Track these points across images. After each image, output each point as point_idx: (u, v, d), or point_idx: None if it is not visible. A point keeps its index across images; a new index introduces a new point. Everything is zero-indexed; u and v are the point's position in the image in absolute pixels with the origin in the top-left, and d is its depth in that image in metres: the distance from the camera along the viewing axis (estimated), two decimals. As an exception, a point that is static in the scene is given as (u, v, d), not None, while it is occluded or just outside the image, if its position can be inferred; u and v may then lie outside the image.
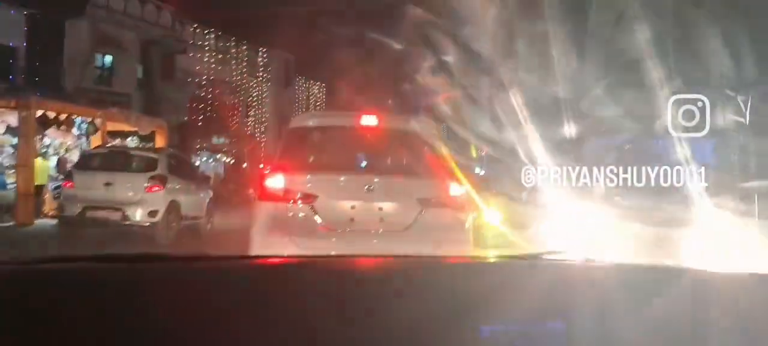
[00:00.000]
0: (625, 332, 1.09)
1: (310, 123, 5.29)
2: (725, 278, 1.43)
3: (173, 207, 10.84)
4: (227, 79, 33.83)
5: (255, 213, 4.73)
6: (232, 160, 32.65)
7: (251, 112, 38.45)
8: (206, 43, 32.17)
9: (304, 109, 43.51)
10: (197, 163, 23.91)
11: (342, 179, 4.72)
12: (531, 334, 1.09)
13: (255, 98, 38.77)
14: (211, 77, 31.65)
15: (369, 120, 4.91)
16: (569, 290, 1.29)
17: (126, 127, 16.80)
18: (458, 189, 4.67)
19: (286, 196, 4.55)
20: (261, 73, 39.28)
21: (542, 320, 1.12)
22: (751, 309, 1.20)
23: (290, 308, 1.13)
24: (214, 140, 30.46)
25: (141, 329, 1.05)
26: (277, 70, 41.30)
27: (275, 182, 4.64)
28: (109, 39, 22.63)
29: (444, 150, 4.84)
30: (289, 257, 1.86)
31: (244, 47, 37.12)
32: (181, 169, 11.89)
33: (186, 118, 27.42)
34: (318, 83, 46.89)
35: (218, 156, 31.57)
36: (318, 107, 45.17)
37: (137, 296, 1.16)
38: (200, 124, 30.15)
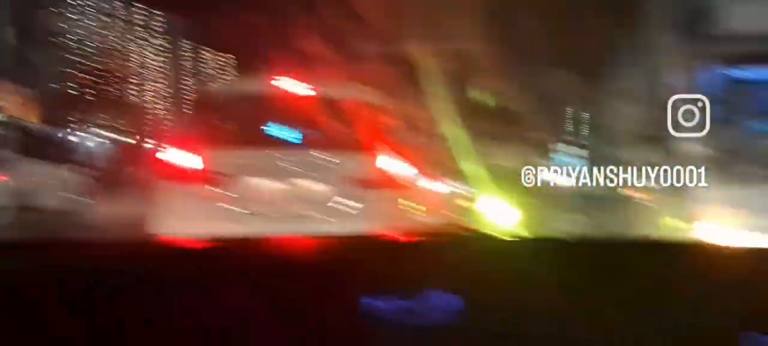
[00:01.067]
0: (524, 305, 1.14)
1: (221, 90, 5.43)
2: (617, 248, 1.57)
3: (17, 199, 8.34)
4: (112, 43, 30.71)
5: (153, 196, 4.42)
6: (121, 136, 29.55)
7: (142, 82, 35.18)
8: (88, 2, 28.86)
9: (202, 80, 41.55)
10: (74, 138, 21.66)
11: (260, 155, 4.42)
12: (419, 306, 1.13)
13: (146, 66, 35.46)
14: (93, 41, 28.63)
15: (292, 86, 4.62)
16: (464, 265, 1.33)
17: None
18: (398, 167, 4.43)
19: (189, 175, 4.28)
20: (153, 39, 36.05)
21: (432, 293, 1.16)
22: (644, 279, 1.27)
23: (187, 291, 1.13)
24: (98, 113, 27.16)
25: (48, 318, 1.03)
26: (173, 37, 38.05)
27: (177, 158, 4.35)
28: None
29: (387, 121, 4.61)
30: (190, 238, 1.58)
31: (133, 8, 33.91)
32: (36, 146, 9.22)
33: (61, 88, 23.96)
34: (220, 52, 44.39)
35: (103, 131, 28.31)
36: (217, 78, 42.92)
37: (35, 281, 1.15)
38: (80, 94, 26.76)
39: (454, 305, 1.14)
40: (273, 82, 4.78)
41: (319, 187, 4.39)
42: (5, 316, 1.00)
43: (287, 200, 4.36)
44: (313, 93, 4.70)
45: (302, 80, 4.70)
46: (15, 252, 1.35)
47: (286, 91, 4.63)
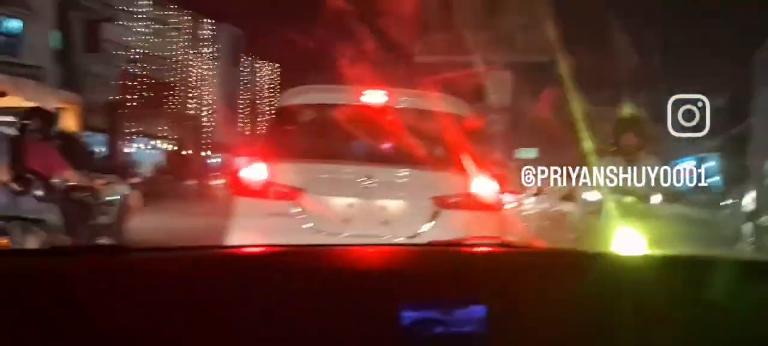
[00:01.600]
0: (544, 316, 1.16)
1: (300, 100, 4.68)
2: (632, 261, 1.60)
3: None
4: (166, 53, 30.75)
5: (226, 211, 4.16)
6: (173, 147, 29.35)
7: (194, 93, 35.16)
8: (140, 10, 28.89)
9: (253, 91, 41.40)
10: (128, 149, 21.49)
11: (337, 170, 4.13)
12: (452, 318, 1.16)
13: (198, 77, 35.47)
14: (146, 51, 28.66)
15: (375, 96, 4.28)
16: (491, 275, 1.36)
17: (21, 103, 13.30)
18: (488, 187, 4.05)
19: (265, 191, 4.01)
20: (206, 49, 36.09)
21: (463, 305, 1.18)
22: (654, 291, 1.30)
23: (264, 299, 1.17)
24: (150, 123, 27.00)
25: (116, 325, 1.05)
26: (224, 47, 37.99)
27: (253, 172, 4.09)
28: (12, -3, 18.99)
29: (478, 136, 4.38)
30: (267, 246, 1.65)
31: (186, 18, 33.99)
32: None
33: (114, 97, 23.88)
34: (271, 64, 44.26)
35: (156, 141, 28.16)
36: (269, 89, 42.72)
37: (109, 289, 1.15)
38: (133, 104, 26.68)
39: (484, 315, 1.15)
40: (356, 95, 4.43)
41: (399, 207, 4.04)
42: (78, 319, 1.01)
43: (365, 220, 4.01)
44: (399, 106, 4.35)
45: (386, 92, 4.34)
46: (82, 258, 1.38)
47: (368, 105, 4.27)
